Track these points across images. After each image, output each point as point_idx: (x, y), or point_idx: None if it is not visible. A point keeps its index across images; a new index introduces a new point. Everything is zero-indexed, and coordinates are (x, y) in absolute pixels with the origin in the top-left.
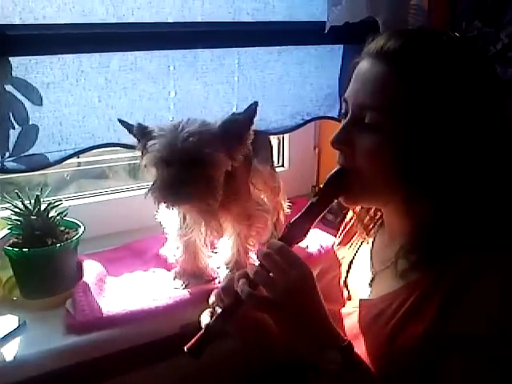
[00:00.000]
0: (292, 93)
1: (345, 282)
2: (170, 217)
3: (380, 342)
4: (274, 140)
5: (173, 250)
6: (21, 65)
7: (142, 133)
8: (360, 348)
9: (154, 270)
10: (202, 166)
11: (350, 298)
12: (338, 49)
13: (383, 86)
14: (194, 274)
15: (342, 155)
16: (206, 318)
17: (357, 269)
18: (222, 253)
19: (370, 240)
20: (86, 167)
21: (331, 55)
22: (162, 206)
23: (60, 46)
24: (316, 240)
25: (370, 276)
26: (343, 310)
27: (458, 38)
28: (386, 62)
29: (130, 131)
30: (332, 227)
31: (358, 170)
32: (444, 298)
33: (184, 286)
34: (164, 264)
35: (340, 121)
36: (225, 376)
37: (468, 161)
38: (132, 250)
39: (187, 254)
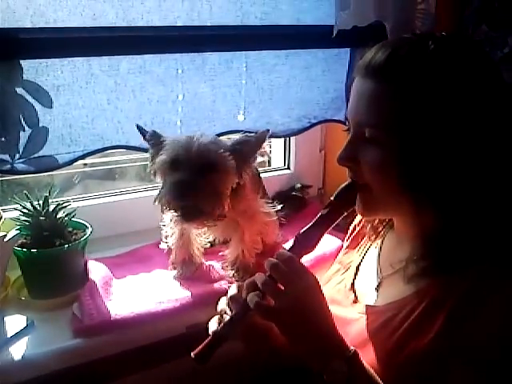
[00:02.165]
0: (299, 96)
1: (352, 285)
2: None
3: (387, 350)
4: (280, 141)
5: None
6: (31, 67)
7: (156, 141)
8: (366, 355)
9: (157, 271)
10: (212, 173)
11: (356, 301)
12: (345, 52)
13: (375, 102)
14: (185, 262)
15: (351, 171)
16: (213, 325)
17: (364, 273)
18: (228, 254)
19: (378, 243)
20: (93, 168)
21: (338, 59)
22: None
23: (70, 49)
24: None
25: (376, 281)
26: (349, 315)
27: (446, 40)
28: (375, 77)
29: (144, 137)
30: (339, 230)
31: (366, 183)
32: (453, 310)
33: (179, 274)
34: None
35: (346, 124)
36: (230, 377)
37: (468, 168)
38: (137, 256)
39: (181, 241)
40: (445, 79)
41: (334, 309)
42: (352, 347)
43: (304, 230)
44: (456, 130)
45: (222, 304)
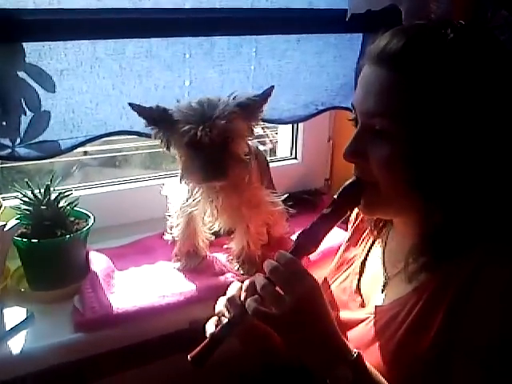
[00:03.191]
0: (307, 82)
1: (357, 286)
2: (176, 190)
3: (391, 349)
4: (287, 130)
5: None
6: (34, 51)
7: (162, 116)
8: (372, 356)
9: (161, 263)
10: (231, 143)
11: (363, 305)
12: (357, 38)
13: (388, 91)
14: (189, 254)
15: (358, 168)
16: (211, 327)
17: (369, 272)
18: (233, 246)
19: (382, 240)
20: (94, 156)
21: (350, 44)
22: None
23: (75, 32)
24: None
25: (382, 280)
26: (355, 316)
27: (464, 29)
28: (389, 65)
29: (141, 115)
30: (346, 222)
31: (374, 181)
32: (451, 303)
33: (183, 266)
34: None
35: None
36: (231, 374)
37: (480, 164)
38: (139, 247)
39: (186, 232)
40: (462, 71)
41: (342, 313)
42: (355, 350)
43: (305, 229)
44: (471, 124)
45: (220, 305)
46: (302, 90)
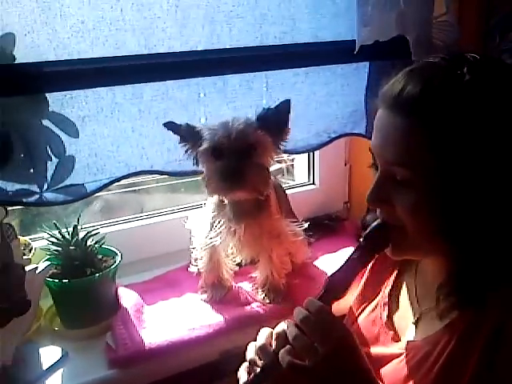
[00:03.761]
0: (318, 111)
1: (387, 318)
2: (199, 224)
3: None
4: (304, 156)
5: (196, 261)
6: (57, 100)
7: (191, 133)
8: None
9: (188, 295)
10: (254, 154)
11: (396, 339)
12: (364, 66)
13: (406, 140)
14: (215, 285)
15: (383, 212)
16: (243, 375)
17: (399, 303)
18: (257, 275)
19: (411, 272)
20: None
21: (357, 73)
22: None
23: (94, 80)
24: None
25: (416, 314)
26: (389, 351)
27: (480, 65)
28: (405, 112)
29: (175, 132)
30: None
31: (400, 225)
32: (484, 346)
33: (210, 298)
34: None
35: (368, 137)
36: None
37: (507, 208)
38: (166, 280)
39: (210, 264)
40: (482, 114)
41: (374, 349)
42: None
43: (333, 273)
44: (494, 167)
45: (251, 353)
46: (313, 120)
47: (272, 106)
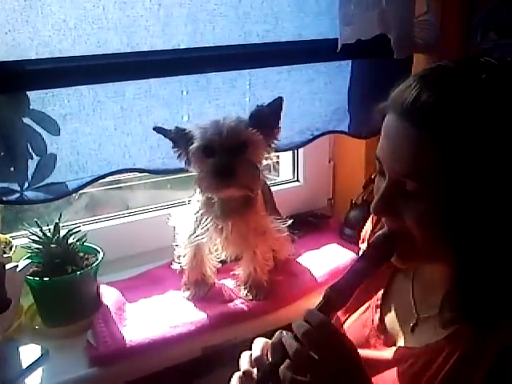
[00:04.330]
0: (301, 109)
1: (379, 321)
2: (183, 221)
3: None
4: (288, 153)
5: (179, 258)
6: (38, 98)
7: (181, 135)
8: None
9: (170, 292)
10: (245, 152)
11: (388, 343)
12: (347, 64)
13: (419, 153)
14: (198, 282)
15: (389, 221)
16: None
17: (392, 306)
18: (240, 272)
19: (408, 276)
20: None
21: (340, 71)
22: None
23: (76, 78)
24: (331, 260)
25: (413, 319)
26: (382, 356)
27: (495, 71)
28: (418, 123)
29: (166, 136)
30: (351, 242)
31: (407, 234)
32: (491, 360)
33: (192, 296)
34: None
35: (351, 135)
36: None
37: None
38: (148, 278)
39: (194, 261)
40: (500, 128)
41: (364, 352)
42: None
43: (336, 283)
44: (507, 178)
45: (245, 364)
46: (296, 118)
47: (265, 104)
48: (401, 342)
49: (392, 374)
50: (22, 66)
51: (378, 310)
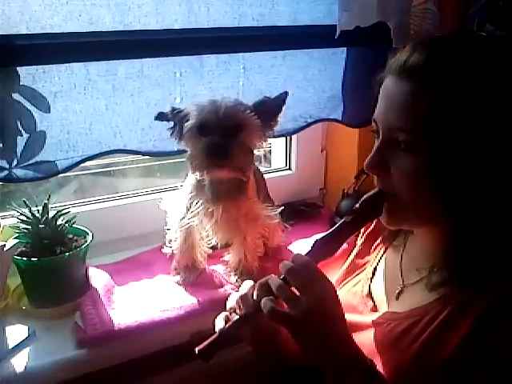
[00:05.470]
0: (295, 96)
1: (369, 291)
2: (175, 204)
3: (408, 358)
4: (281, 142)
5: (170, 242)
6: (28, 74)
7: (177, 115)
8: (384, 364)
9: (160, 276)
10: (240, 134)
11: (375, 310)
12: (342, 51)
13: (412, 106)
14: (188, 267)
15: (380, 179)
16: (220, 322)
17: (381, 277)
18: (230, 258)
19: (400, 247)
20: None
21: (335, 58)
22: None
23: (67, 55)
24: None
25: (398, 287)
26: (366, 322)
27: (486, 40)
28: (411, 78)
29: (167, 120)
30: None
31: (397, 193)
32: (477, 319)
33: (182, 280)
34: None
35: (344, 123)
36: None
37: (506, 177)
38: (138, 261)
39: (185, 246)
40: (488, 82)
41: (350, 316)
42: (370, 359)
43: (324, 235)
44: (493, 132)
45: (232, 302)
46: (290, 104)
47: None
48: (384, 309)
49: (372, 336)
50: (11, 41)
51: (368, 282)
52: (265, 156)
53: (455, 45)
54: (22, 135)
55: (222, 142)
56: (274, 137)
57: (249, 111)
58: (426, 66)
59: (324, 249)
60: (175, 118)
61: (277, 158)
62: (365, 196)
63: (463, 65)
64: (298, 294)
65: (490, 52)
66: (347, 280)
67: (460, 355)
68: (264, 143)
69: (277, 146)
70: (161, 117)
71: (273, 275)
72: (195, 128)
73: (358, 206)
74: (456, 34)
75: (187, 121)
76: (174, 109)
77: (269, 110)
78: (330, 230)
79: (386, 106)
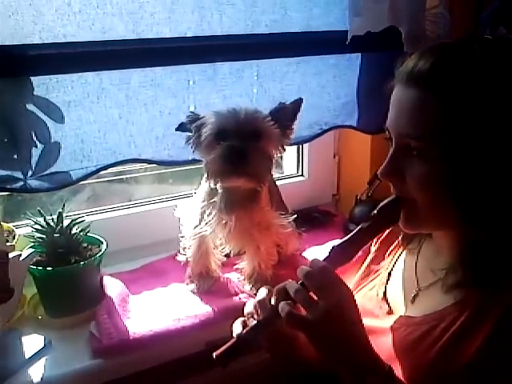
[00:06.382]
0: (309, 103)
1: (384, 294)
2: (189, 212)
3: (426, 363)
4: (293, 148)
5: (185, 250)
6: (42, 84)
7: (195, 122)
8: (402, 369)
9: (174, 285)
10: (260, 141)
11: (391, 312)
12: (356, 57)
13: (420, 112)
14: (202, 275)
15: (395, 186)
16: (238, 328)
17: (397, 281)
18: (244, 267)
19: (414, 251)
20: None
21: (349, 64)
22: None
23: (80, 64)
24: None
25: (413, 291)
26: (382, 326)
27: (493, 43)
28: (418, 85)
29: (185, 129)
30: None
31: (412, 199)
32: (497, 323)
33: (197, 288)
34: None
35: (360, 130)
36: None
37: None
38: (152, 270)
39: (199, 254)
40: (494, 86)
41: (366, 320)
42: (388, 363)
43: (341, 241)
44: (506, 139)
45: (249, 307)
46: (305, 111)
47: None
48: (400, 313)
49: (389, 341)
50: (25, 51)
51: (383, 286)
52: (277, 162)
53: (461, 50)
54: (36, 146)
55: (241, 148)
56: (290, 145)
57: (269, 119)
58: (432, 72)
59: (341, 255)
60: (193, 124)
61: (289, 165)
62: (382, 203)
63: (469, 69)
64: (315, 298)
65: (497, 55)
66: (362, 285)
67: (479, 360)
68: (282, 153)
69: (289, 152)
70: (182, 127)
71: (290, 280)
72: (214, 133)
73: (375, 212)
74: (463, 39)
75: (205, 127)
76: (191, 114)
77: (285, 117)
78: (348, 237)
79: (396, 113)
